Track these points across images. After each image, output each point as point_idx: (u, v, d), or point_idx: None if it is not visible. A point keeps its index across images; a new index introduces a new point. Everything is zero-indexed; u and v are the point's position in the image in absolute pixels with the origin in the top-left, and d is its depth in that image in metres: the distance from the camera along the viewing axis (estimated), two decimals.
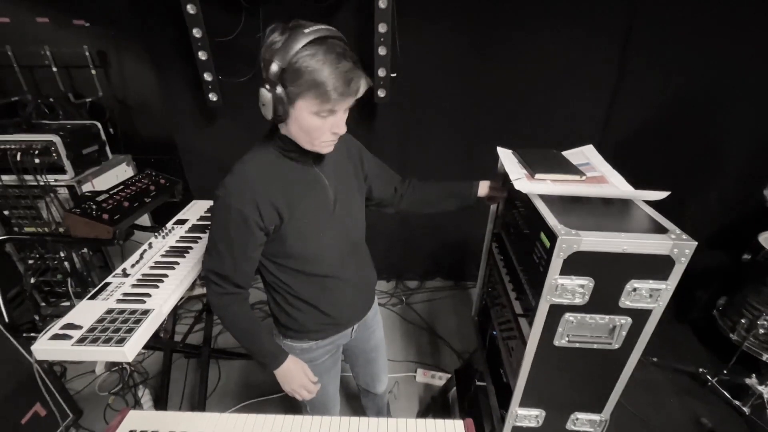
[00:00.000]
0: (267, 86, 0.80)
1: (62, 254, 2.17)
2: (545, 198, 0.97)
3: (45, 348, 1.01)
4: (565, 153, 1.25)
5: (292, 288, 1.03)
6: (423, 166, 2.44)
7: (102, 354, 0.99)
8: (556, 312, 0.89)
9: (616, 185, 1.02)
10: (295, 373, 1.07)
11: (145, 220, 2.42)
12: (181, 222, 1.59)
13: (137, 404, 1.86)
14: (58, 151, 1.94)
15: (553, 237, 0.82)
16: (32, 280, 2.23)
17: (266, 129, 0.96)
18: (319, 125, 0.84)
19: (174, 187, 1.72)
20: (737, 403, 1.68)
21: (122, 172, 2.33)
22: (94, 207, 1.30)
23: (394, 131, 2.31)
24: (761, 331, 1.68)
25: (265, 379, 2.13)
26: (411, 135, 2.33)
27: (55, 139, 1.92)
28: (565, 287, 0.85)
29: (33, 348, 1.01)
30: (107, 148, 2.27)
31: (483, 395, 1.78)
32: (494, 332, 1.43)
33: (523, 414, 1.08)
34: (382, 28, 1.88)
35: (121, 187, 1.56)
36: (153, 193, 1.56)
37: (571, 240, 0.79)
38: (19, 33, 2.33)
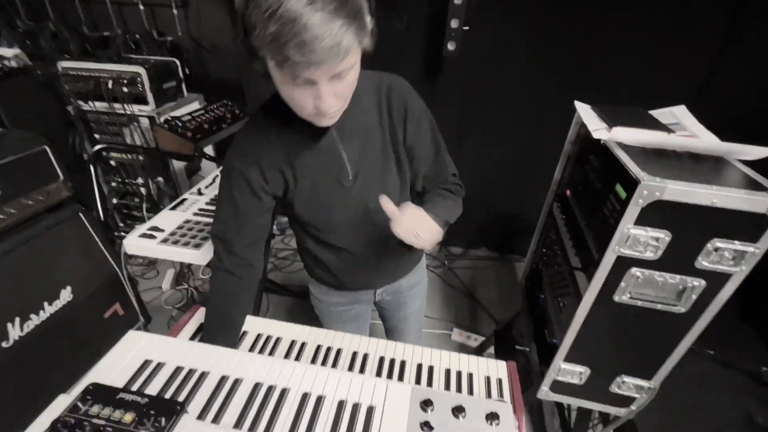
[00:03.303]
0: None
1: (140, 180, 2.39)
2: (626, 149, 0.91)
3: (134, 243, 1.14)
4: (651, 112, 1.16)
5: (308, 246, 0.98)
6: (485, 125, 2.36)
7: (181, 255, 1.10)
8: (622, 265, 0.87)
9: (706, 141, 0.94)
10: None
11: (209, 151, 2.60)
12: None
13: None
14: (143, 83, 2.09)
15: (632, 185, 0.79)
16: (114, 201, 2.49)
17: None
18: (295, 96, 0.65)
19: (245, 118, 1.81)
20: None
21: (194, 109, 2.48)
22: (179, 125, 1.42)
23: (458, 87, 2.24)
24: None
25: (311, 317, 2.28)
26: (477, 93, 2.26)
27: (141, 71, 2.07)
28: (637, 239, 0.82)
29: (124, 242, 1.15)
30: (183, 86, 2.42)
31: (522, 358, 1.78)
32: (542, 296, 1.42)
33: (566, 368, 1.08)
34: None
35: (202, 111, 1.67)
36: (229, 120, 1.65)
37: (654, 186, 0.75)
38: None
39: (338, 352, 0.94)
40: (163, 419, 0.63)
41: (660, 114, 1.14)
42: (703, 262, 0.81)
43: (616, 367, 1.05)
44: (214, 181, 1.46)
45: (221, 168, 0.84)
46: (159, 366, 0.79)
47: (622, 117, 1.05)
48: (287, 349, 0.94)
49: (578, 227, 1.11)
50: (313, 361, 0.92)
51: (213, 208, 1.31)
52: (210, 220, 1.25)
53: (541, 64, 2.09)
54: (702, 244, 0.80)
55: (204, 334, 0.89)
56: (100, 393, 0.68)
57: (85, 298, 1.64)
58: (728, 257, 0.79)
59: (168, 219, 1.23)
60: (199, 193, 1.39)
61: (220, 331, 0.88)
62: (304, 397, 0.74)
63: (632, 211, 0.79)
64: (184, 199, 1.34)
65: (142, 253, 1.15)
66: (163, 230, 1.17)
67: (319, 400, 0.73)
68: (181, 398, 0.71)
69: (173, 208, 1.29)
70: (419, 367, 0.91)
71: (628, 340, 0.99)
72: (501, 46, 2.08)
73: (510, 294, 2.54)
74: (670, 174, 0.78)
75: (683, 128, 1.06)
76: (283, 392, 0.75)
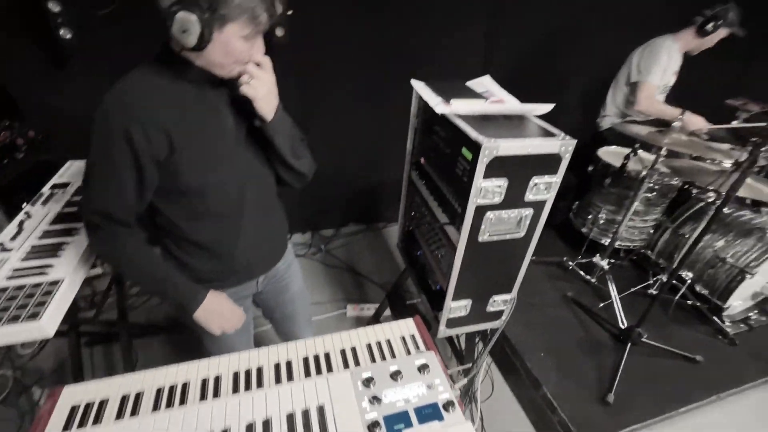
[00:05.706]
0: (191, 10, 0.70)
1: None
2: (462, 117, 1.11)
3: None
4: (468, 83, 1.41)
5: (184, 230, 0.95)
6: (329, 107, 2.43)
7: (14, 334, 0.83)
8: (481, 212, 1.07)
9: (514, 105, 1.22)
10: (219, 309, 0.99)
11: None
12: (62, 186, 1.32)
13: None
14: None
15: (476, 148, 0.97)
16: None
17: (156, 52, 0.84)
18: (246, 49, 0.81)
19: (51, 142, 1.37)
20: (588, 277, 2.25)
21: None
22: None
23: (294, 74, 2.22)
24: (600, 221, 2.25)
25: (190, 348, 2.02)
26: (313, 77, 2.28)
27: None
28: (487, 189, 1.03)
29: None
30: None
31: (414, 309, 2.01)
32: (419, 252, 1.62)
33: (455, 306, 1.29)
34: None
35: None
36: (24, 147, 1.24)
37: (492, 146, 0.95)
38: None
39: (259, 370, 0.90)
40: None
41: (474, 84, 1.40)
42: (529, 196, 1.08)
43: (488, 292, 1.31)
44: (20, 229, 1.10)
45: (92, 128, 0.75)
46: None
47: (453, 91, 1.25)
48: (200, 393, 0.85)
49: (438, 188, 1.30)
50: (235, 391, 0.86)
51: (38, 263, 1.01)
52: (37, 279, 0.96)
53: (367, 44, 2.24)
54: (527, 183, 1.05)
55: (158, 289, 0.95)
56: None
57: None
58: (543, 188, 1.08)
59: None
60: (4, 249, 1.04)
61: (164, 272, 0.94)
62: (250, 428, 0.71)
63: (480, 168, 0.98)
64: None
65: None
66: None
67: (267, 423, 0.71)
68: None
69: None
70: (343, 352, 0.95)
71: (493, 268, 1.24)
72: (327, 29, 2.14)
73: (386, 258, 2.78)
74: (498, 134, 0.99)
75: (492, 94, 1.33)
76: None
